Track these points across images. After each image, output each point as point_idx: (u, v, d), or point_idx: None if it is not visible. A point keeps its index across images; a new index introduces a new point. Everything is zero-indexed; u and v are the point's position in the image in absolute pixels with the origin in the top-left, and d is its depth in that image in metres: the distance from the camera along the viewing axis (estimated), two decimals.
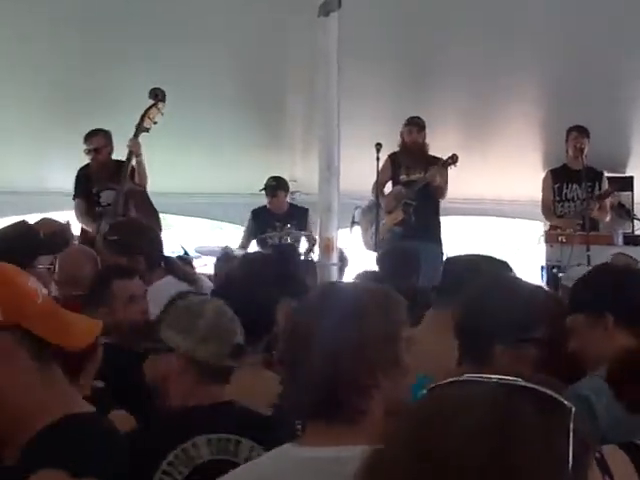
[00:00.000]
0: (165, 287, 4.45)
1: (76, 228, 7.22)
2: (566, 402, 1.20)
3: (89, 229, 7.57)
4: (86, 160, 7.80)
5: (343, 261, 6.67)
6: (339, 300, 2.10)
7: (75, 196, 7.90)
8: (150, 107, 7.31)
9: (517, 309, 2.82)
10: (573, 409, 1.19)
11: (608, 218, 8.44)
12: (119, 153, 7.55)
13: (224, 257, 6.67)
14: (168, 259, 5.32)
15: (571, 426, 1.17)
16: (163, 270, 5.05)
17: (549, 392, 1.21)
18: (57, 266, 4.75)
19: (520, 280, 3.29)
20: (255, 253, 7.31)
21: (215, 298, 3.07)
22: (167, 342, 2.84)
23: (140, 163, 7.36)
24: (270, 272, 4.90)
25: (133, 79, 8.30)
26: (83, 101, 8.69)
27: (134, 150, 7.28)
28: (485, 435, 1.17)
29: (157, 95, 7.31)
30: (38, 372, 2.04)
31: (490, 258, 3.86)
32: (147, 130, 7.29)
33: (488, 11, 7.75)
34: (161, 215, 7.44)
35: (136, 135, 7.29)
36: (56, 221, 6.55)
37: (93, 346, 2.91)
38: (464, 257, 3.98)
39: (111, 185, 7.50)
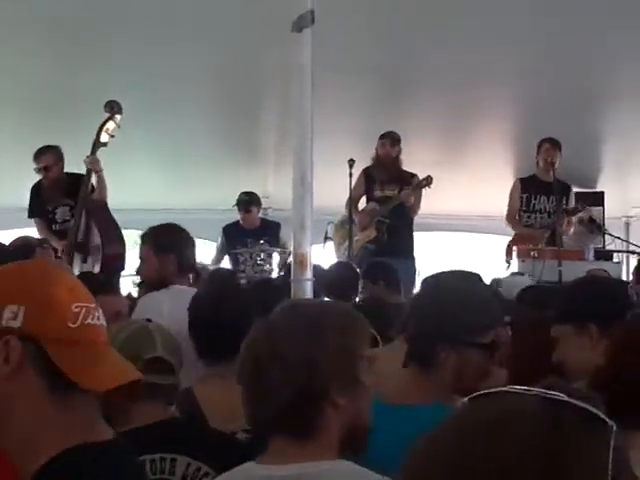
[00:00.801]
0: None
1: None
2: (608, 420, 1.18)
3: (55, 245, 7.52)
4: (37, 177, 7.72)
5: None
6: (296, 317, 2.13)
7: (30, 215, 7.82)
8: (106, 120, 7.19)
9: (463, 312, 2.81)
10: (614, 427, 1.18)
11: (571, 232, 8.49)
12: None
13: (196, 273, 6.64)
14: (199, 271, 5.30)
15: (612, 444, 1.16)
16: (193, 279, 5.03)
17: (592, 409, 1.19)
18: None
19: (475, 287, 3.26)
20: (222, 269, 7.30)
21: (143, 320, 3.05)
22: None
23: (100, 179, 7.27)
24: (239, 289, 4.91)
25: (102, 93, 8.25)
26: (62, 116, 8.61)
27: (93, 167, 7.18)
28: (531, 453, 1.13)
29: (113, 107, 7.20)
30: (49, 393, 1.81)
31: (463, 273, 3.87)
32: (105, 145, 7.17)
33: (463, 27, 7.79)
34: (133, 231, 7.40)
35: (93, 152, 7.17)
36: (23, 236, 6.55)
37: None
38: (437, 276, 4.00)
39: (66, 201, 7.46)
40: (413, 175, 8.30)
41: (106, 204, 7.29)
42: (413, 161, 8.44)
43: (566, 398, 1.18)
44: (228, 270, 7.15)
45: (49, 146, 7.60)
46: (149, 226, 9.19)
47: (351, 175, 8.00)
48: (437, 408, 2.69)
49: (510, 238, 8.81)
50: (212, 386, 3.17)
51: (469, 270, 4.07)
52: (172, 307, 4.50)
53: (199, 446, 2.71)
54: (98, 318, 1.86)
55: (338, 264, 7.21)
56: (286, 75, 5.70)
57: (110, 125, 7.19)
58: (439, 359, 2.78)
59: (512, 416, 1.18)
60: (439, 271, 3.51)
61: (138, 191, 9.16)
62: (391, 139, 8.40)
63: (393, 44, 7.98)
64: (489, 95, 8.69)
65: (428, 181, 8.12)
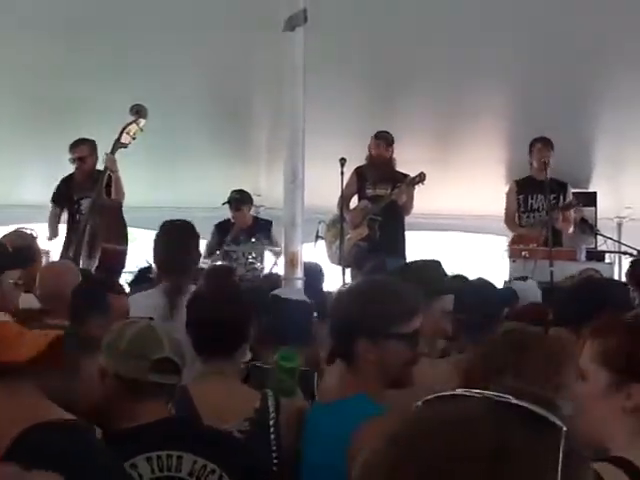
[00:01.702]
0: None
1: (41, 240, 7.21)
2: (557, 422, 1.18)
3: (50, 235, 7.57)
4: (67, 171, 7.81)
5: (321, 275, 6.60)
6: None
7: (53, 200, 7.88)
8: (130, 123, 7.25)
9: (377, 305, 2.83)
10: (564, 429, 1.17)
11: (571, 229, 8.47)
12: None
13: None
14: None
15: (562, 447, 1.16)
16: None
17: (541, 412, 1.19)
18: (38, 281, 4.73)
19: (391, 278, 3.34)
20: (220, 266, 7.29)
21: (146, 319, 3.06)
22: (101, 365, 2.84)
23: (117, 179, 7.32)
24: (237, 285, 4.91)
25: (104, 93, 8.27)
26: (56, 114, 8.63)
27: (109, 166, 7.23)
28: (481, 457, 1.14)
29: (138, 112, 7.25)
30: None
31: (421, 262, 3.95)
32: (125, 146, 7.24)
33: (454, 27, 7.79)
34: (128, 229, 7.42)
35: (113, 151, 7.25)
36: (25, 234, 6.53)
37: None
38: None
39: (91, 194, 7.49)
40: (405, 175, 8.29)
41: (121, 205, 7.31)
42: (405, 160, 8.44)
43: (513, 400, 1.19)
44: (226, 266, 7.12)
45: (85, 139, 7.69)
46: (142, 223, 9.27)
47: (342, 174, 7.98)
48: (358, 400, 2.72)
49: (506, 238, 8.81)
50: (209, 384, 3.17)
51: (430, 258, 4.16)
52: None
53: (204, 444, 2.72)
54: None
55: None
56: (279, 74, 5.72)
57: (133, 128, 7.24)
58: (359, 353, 2.81)
59: (462, 419, 1.18)
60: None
61: (129, 189, 9.15)
62: (386, 140, 8.40)
63: (385, 43, 7.97)
64: (481, 94, 8.69)
65: (421, 178, 8.10)
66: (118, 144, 7.23)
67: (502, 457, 1.14)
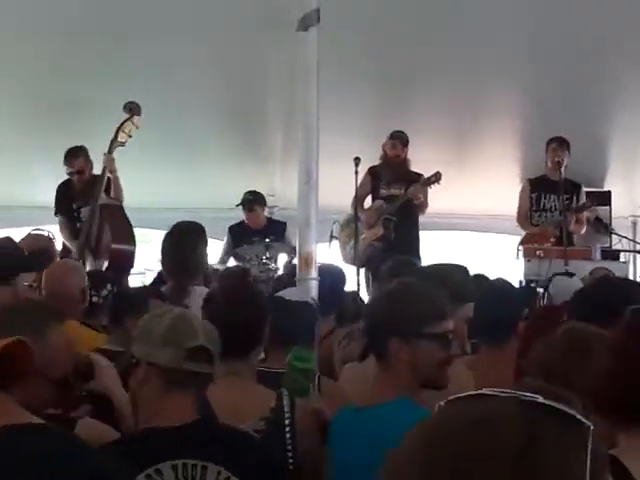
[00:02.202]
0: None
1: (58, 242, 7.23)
2: (585, 420, 1.19)
3: (71, 247, 7.53)
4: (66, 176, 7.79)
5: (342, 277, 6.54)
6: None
7: (57, 212, 7.87)
8: (125, 121, 7.26)
9: (413, 304, 2.91)
10: (591, 428, 1.18)
11: (583, 231, 8.46)
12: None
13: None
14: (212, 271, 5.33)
15: (589, 445, 1.16)
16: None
17: (567, 409, 1.19)
18: (44, 280, 4.72)
19: (424, 281, 3.37)
20: (235, 267, 7.30)
21: (179, 307, 3.03)
22: (134, 354, 2.84)
23: (116, 179, 7.32)
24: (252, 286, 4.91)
25: (115, 93, 8.27)
26: (67, 114, 8.64)
27: (108, 166, 7.24)
28: (507, 456, 1.15)
29: (132, 109, 7.26)
30: None
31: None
32: (122, 144, 7.25)
33: (469, 27, 7.78)
34: (141, 230, 7.43)
35: (110, 150, 7.26)
36: (41, 236, 6.55)
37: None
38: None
39: (91, 201, 7.49)
40: (420, 175, 8.28)
41: (121, 204, 7.32)
42: (418, 160, 8.43)
43: (540, 399, 1.19)
44: (240, 268, 7.12)
45: (79, 148, 7.65)
46: (158, 224, 9.28)
47: (357, 173, 7.97)
48: (401, 403, 2.75)
49: (520, 238, 8.79)
50: (225, 385, 3.17)
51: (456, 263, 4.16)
52: None
53: (230, 455, 2.68)
54: None
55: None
56: (292, 74, 5.72)
57: (128, 125, 7.24)
58: (391, 353, 2.88)
59: (487, 419, 1.20)
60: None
61: (145, 190, 9.16)
62: (401, 141, 8.38)
63: (400, 43, 7.96)
64: (496, 94, 8.68)
65: (437, 177, 8.09)
66: (115, 143, 7.25)
67: (531, 455, 1.15)
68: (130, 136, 7.26)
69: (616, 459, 2.02)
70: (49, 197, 8.18)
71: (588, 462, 1.14)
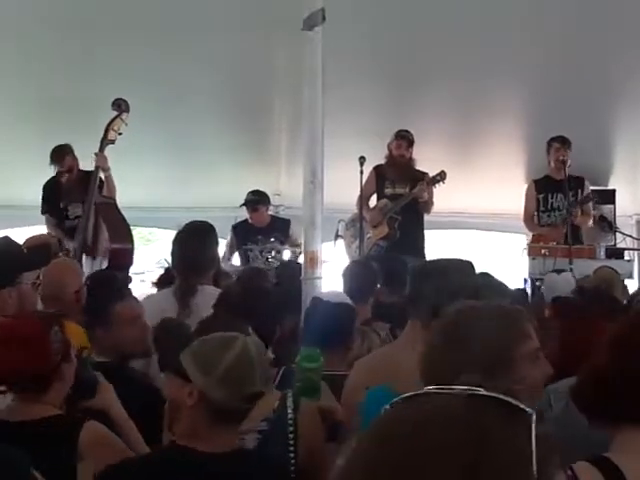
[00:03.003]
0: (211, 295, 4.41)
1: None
2: (526, 408, 1.22)
3: (66, 244, 7.53)
4: (51, 174, 7.78)
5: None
6: None
7: (43, 211, 7.87)
8: (114, 119, 7.23)
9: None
10: (534, 415, 1.22)
11: (590, 223, 8.46)
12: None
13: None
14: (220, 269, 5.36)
15: (533, 431, 1.19)
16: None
17: (509, 399, 1.23)
18: (41, 281, 4.73)
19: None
20: (252, 268, 7.31)
21: (243, 336, 2.92)
22: (186, 370, 2.80)
23: (108, 177, 7.32)
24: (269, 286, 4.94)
25: (113, 93, 8.28)
26: (79, 113, 8.64)
27: (101, 165, 7.23)
28: (454, 450, 1.18)
29: (120, 105, 7.25)
30: None
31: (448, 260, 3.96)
32: (112, 142, 7.22)
33: (471, 28, 7.79)
34: (149, 229, 7.42)
35: (101, 149, 7.23)
36: (41, 235, 6.56)
37: (57, 365, 2.95)
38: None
39: (79, 197, 7.49)
40: (425, 174, 8.28)
41: (115, 202, 7.31)
42: (423, 159, 8.44)
43: (484, 392, 1.23)
44: (260, 269, 7.11)
45: (65, 146, 7.65)
46: (163, 223, 9.31)
47: (362, 173, 7.97)
48: None
49: (525, 236, 8.80)
50: None
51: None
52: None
53: None
54: None
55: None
56: (298, 73, 5.73)
57: (117, 123, 7.23)
58: None
59: (434, 415, 1.23)
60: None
61: (152, 189, 9.18)
62: (407, 140, 8.38)
63: (405, 43, 7.98)
64: (500, 93, 8.68)
65: (442, 176, 8.09)
66: (106, 141, 7.21)
67: (483, 445, 1.19)
68: (120, 133, 7.22)
69: (609, 460, 2.04)
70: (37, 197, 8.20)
71: (534, 447, 1.18)
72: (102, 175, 7.28)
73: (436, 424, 1.22)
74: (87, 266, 6.99)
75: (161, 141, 8.33)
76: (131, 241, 7.23)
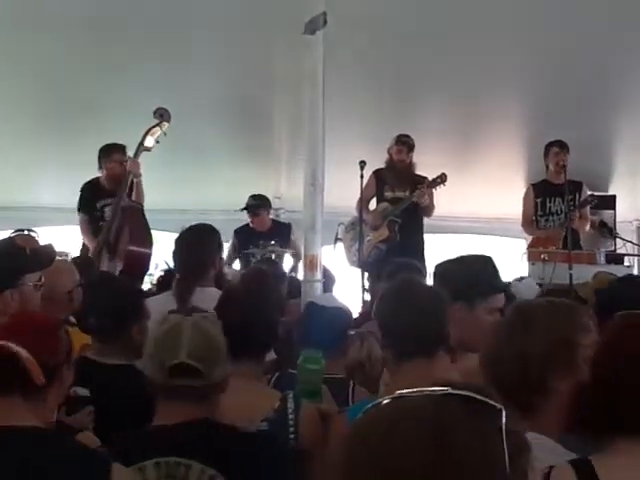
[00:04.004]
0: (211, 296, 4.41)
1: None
2: (495, 403, 1.25)
3: (90, 246, 7.54)
4: (85, 177, 7.81)
5: (330, 279, 6.62)
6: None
7: (80, 210, 7.88)
8: (154, 126, 7.18)
9: None
10: (503, 410, 1.24)
11: (588, 227, 8.47)
12: None
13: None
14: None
15: (503, 426, 1.21)
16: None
17: (477, 396, 1.25)
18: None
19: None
20: (253, 270, 7.31)
21: (178, 315, 2.92)
22: None
23: (139, 183, 7.32)
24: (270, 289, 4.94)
25: (123, 95, 8.30)
26: (76, 116, 8.66)
27: (133, 170, 7.20)
28: (420, 447, 1.22)
29: (162, 115, 7.21)
30: None
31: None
32: (149, 149, 7.19)
33: (471, 33, 7.80)
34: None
35: (137, 155, 7.20)
36: (32, 237, 6.57)
37: (61, 363, 2.95)
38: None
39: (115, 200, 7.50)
40: (425, 178, 8.28)
41: (142, 208, 7.32)
42: (423, 163, 8.44)
43: (450, 390, 1.27)
44: (262, 269, 7.11)
45: (120, 145, 7.63)
46: (164, 226, 9.30)
47: (362, 177, 7.97)
48: None
49: (524, 240, 8.80)
50: (230, 385, 3.19)
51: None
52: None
53: (217, 454, 2.67)
54: None
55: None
56: (299, 77, 5.75)
57: (157, 131, 7.21)
58: None
59: (401, 415, 1.27)
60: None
61: (153, 192, 9.16)
62: (408, 146, 8.38)
63: (405, 47, 7.99)
64: (499, 98, 8.69)
65: (442, 179, 8.08)
66: (142, 147, 7.17)
67: (447, 441, 1.22)
68: (157, 142, 7.21)
69: (589, 462, 2.04)
70: (50, 199, 8.23)
71: (504, 443, 1.20)
72: (134, 180, 7.29)
73: (402, 425, 1.25)
74: (105, 265, 7.00)
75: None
76: (150, 246, 7.21)
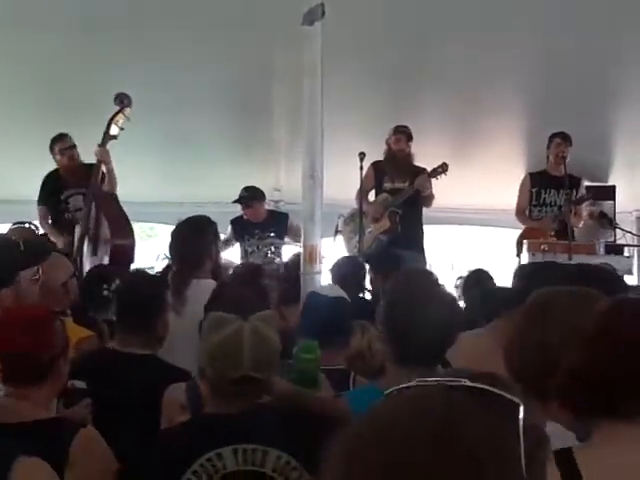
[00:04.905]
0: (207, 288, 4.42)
1: None
2: (514, 398, 1.22)
3: (54, 239, 7.51)
4: (53, 166, 7.82)
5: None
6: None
7: (41, 202, 7.86)
8: (116, 113, 7.21)
9: None
10: (521, 405, 1.21)
11: (581, 224, 8.49)
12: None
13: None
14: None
15: (521, 422, 1.19)
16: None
17: (494, 390, 1.23)
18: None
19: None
20: (248, 264, 7.31)
21: (237, 319, 2.83)
22: None
23: (110, 170, 7.32)
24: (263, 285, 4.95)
25: (114, 87, 8.27)
26: (76, 112, 8.64)
27: (102, 158, 7.23)
28: (422, 441, 1.18)
29: (122, 101, 7.23)
30: None
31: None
32: (115, 137, 7.22)
33: (471, 24, 7.79)
34: (149, 224, 7.42)
35: (103, 143, 7.23)
36: (30, 229, 6.57)
37: (56, 357, 2.96)
38: None
39: (80, 190, 7.49)
40: (424, 169, 8.28)
41: (116, 196, 7.31)
42: (422, 155, 8.44)
43: (467, 383, 1.24)
44: (253, 265, 7.11)
45: (64, 134, 7.74)
46: (163, 219, 9.31)
47: (362, 168, 7.96)
48: None
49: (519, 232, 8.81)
50: None
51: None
52: None
53: (288, 439, 2.71)
54: None
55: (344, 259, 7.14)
56: (297, 69, 5.73)
57: (120, 118, 7.22)
58: None
59: (417, 407, 1.23)
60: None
61: (152, 184, 9.18)
62: (407, 135, 8.38)
63: (404, 38, 7.97)
64: (500, 89, 8.68)
65: (444, 168, 8.07)
66: (108, 136, 7.20)
67: (461, 434, 1.18)
68: (122, 128, 7.22)
69: (570, 452, 2.03)
70: None
71: (521, 437, 1.18)
72: (104, 169, 7.29)
73: (411, 417, 1.22)
74: (87, 259, 7.00)
75: (161, 137, 8.32)
76: (132, 236, 7.23)
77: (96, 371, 3.62)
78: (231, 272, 5.78)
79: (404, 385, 1.29)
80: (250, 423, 2.73)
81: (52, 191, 7.84)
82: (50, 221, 7.84)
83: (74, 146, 7.71)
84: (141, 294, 4.12)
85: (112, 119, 7.21)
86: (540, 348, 2.26)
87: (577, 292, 2.45)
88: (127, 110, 7.22)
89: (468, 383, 1.24)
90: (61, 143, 7.70)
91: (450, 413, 1.20)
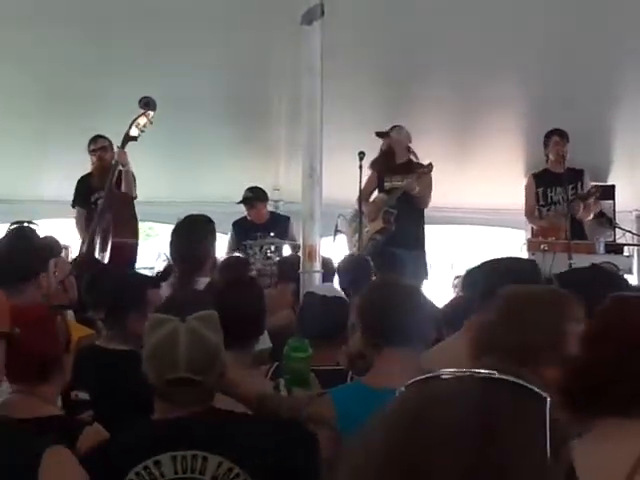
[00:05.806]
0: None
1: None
2: (542, 392, 1.21)
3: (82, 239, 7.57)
4: (86, 170, 7.93)
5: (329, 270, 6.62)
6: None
7: (74, 204, 7.92)
8: (139, 116, 7.23)
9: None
10: (549, 399, 1.20)
11: (591, 217, 8.46)
12: None
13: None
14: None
15: (548, 416, 1.18)
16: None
17: (524, 383, 1.22)
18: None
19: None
20: (234, 257, 7.30)
21: (173, 319, 2.75)
22: None
23: (127, 172, 7.34)
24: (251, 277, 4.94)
25: (119, 88, 8.29)
26: (80, 109, 8.66)
27: (120, 160, 7.25)
28: (465, 433, 1.17)
29: (148, 104, 7.23)
30: None
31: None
32: (135, 139, 7.23)
33: (470, 23, 7.79)
34: (148, 224, 7.43)
35: (123, 145, 7.25)
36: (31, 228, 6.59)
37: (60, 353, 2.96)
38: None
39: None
40: (421, 165, 8.25)
41: (132, 198, 7.33)
42: (423, 154, 8.43)
43: (497, 375, 1.22)
44: (240, 258, 7.12)
45: (103, 135, 7.85)
46: (164, 218, 9.31)
47: (361, 168, 7.95)
48: None
49: (523, 232, 8.80)
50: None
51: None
52: None
53: (231, 445, 2.62)
54: None
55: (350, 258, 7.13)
56: (297, 68, 5.74)
57: (142, 120, 7.23)
58: None
59: (448, 398, 1.22)
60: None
61: (152, 184, 9.16)
62: (405, 130, 8.38)
63: (404, 37, 7.98)
64: (500, 88, 8.67)
65: (429, 169, 8.05)
66: (128, 137, 7.22)
67: (492, 429, 1.17)
68: (143, 131, 7.23)
69: None
70: (51, 192, 8.21)
71: (548, 433, 1.17)
72: (122, 170, 7.32)
73: (441, 407, 1.20)
74: (99, 251, 7.05)
75: (160, 136, 8.29)
76: (135, 237, 7.21)
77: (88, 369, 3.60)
78: (218, 265, 5.75)
79: (431, 374, 1.27)
80: (191, 428, 2.64)
81: (84, 193, 7.95)
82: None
83: (104, 147, 7.77)
84: (109, 291, 4.13)
85: (134, 121, 7.22)
86: (516, 351, 2.26)
87: (545, 293, 2.47)
88: (150, 114, 7.23)
89: (497, 375, 1.23)
90: (92, 144, 7.83)
91: (489, 405, 1.19)
